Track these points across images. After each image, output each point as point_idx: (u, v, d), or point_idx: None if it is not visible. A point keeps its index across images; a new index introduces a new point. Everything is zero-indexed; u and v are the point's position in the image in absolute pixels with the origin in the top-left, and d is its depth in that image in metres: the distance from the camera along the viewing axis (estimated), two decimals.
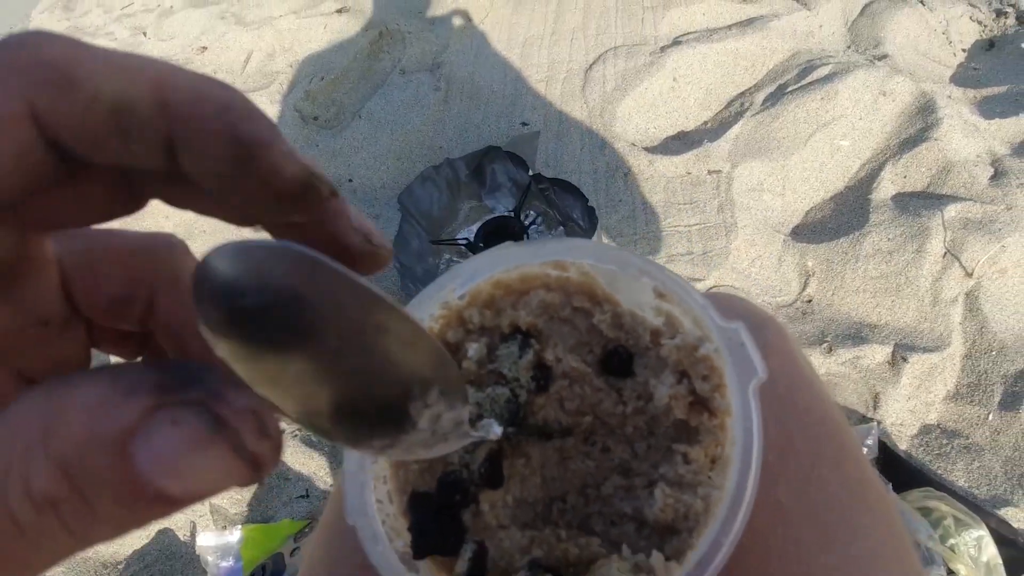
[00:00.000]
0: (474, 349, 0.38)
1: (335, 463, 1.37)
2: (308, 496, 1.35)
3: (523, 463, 0.37)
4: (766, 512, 0.41)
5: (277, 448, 0.20)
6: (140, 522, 0.18)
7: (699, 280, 1.41)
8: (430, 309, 0.39)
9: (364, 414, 0.24)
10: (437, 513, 0.36)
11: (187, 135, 0.19)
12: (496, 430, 0.33)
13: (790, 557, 0.40)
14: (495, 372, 0.38)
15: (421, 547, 0.34)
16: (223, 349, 0.19)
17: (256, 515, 1.36)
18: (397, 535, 0.35)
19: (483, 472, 0.36)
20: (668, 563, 0.32)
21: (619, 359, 0.38)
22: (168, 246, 0.26)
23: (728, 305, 0.58)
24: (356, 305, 0.22)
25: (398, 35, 2.17)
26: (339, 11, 2.36)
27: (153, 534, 1.39)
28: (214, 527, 1.37)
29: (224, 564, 1.34)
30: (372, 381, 0.23)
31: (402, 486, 0.37)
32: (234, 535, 1.34)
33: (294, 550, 1.29)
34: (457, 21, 2.18)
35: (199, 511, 1.38)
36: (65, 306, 0.24)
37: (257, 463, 0.19)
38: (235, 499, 1.37)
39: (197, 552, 1.34)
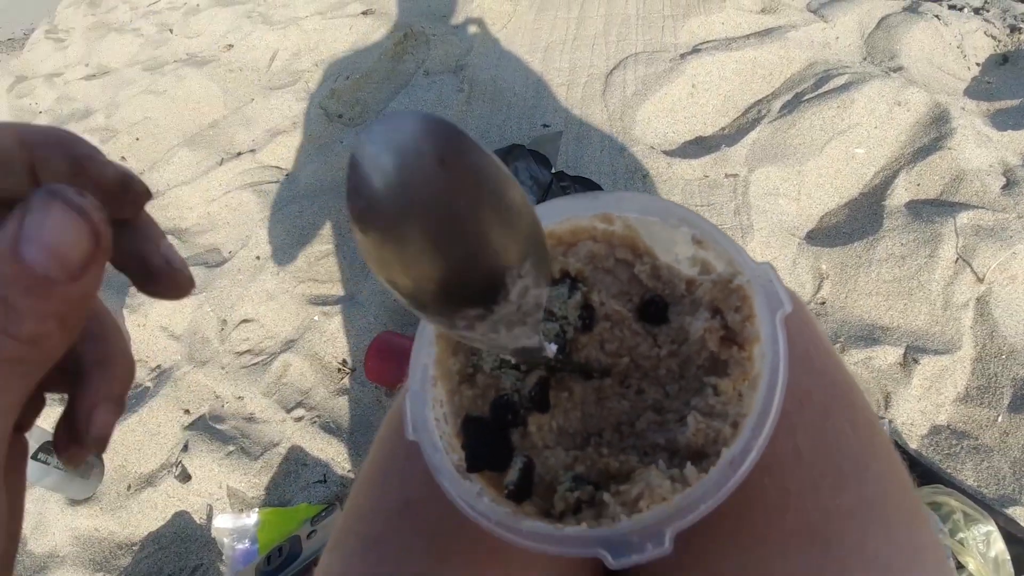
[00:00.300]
0: None
1: (353, 449, 1.40)
2: (326, 481, 1.38)
3: (566, 396, 0.40)
4: (785, 457, 0.45)
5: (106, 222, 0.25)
6: (56, 311, 0.23)
7: None
8: None
9: (467, 282, 0.29)
10: (489, 433, 0.39)
11: (41, 160, 0.28)
12: (552, 348, 0.36)
13: (807, 497, 0.43)
14: (546, 310, 0.41)
15: (474, 463, 0.37)
16: (360, 231, 0.26)
17: (273, 499, 1.39)
18: (452, 450, 0.38)
19: (533, 396, 0.39)
20: (700, 475, 0.35)
21: (656, 307, 0.42)
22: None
23: None
24: (487, 169, 0.27)
25: (422, 37, 2.22)
26: (364, 13, 2.41)
27: (169, 516, 1.41)
28: (231, 510, 1.39)
29: (240, 546, 1.36)
30: (484, 244, 0.28)
31: (457, 410, 0.40)
32: (251, 518, 1.36)
33: (311, 533, 1.31)
34: (480, 25, 2.22)
35: (216, 494, 1.41)
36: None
37: (99, 232, 0.24)
38: (253, 483, 1.40)
39: (213, 534, 1.36)
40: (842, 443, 0.46)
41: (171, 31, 2.88)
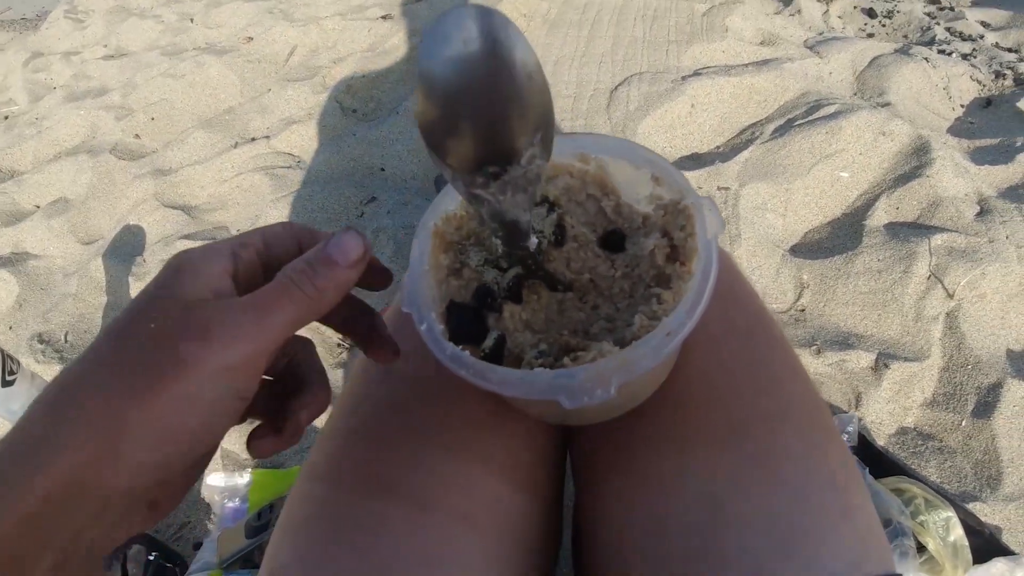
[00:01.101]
0: None
1: None
2: None
3: (535, 299, 0.49)
4: (713, 368, 0.55)
5: (370, 247, 0.41)
6: (335, 282, 0.38)
7: None
8: None
9: (495, 141, 0.38)
10: (470, 313, 0.47)
11: (306, 239, 0.45)
12: (534, 241, 0.45)
13: (731, 402, 0.52)
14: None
15: (456, 338, 0.45)
16: (424, 88, 0.35)
17: (266, 461, 1.43)
18: (439, 324, 0.46)
19: (510, 287, 0.48)
20: (643, 336, 0.43)
21: (615, 237, 0.50)
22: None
23: None
24: (526, 56, 0.37)
25: None
26: (384, 17, 2.51)
27: None
28: (223, 470, 1.43)
29: (230, 504, 1.40)
30: (513, 114, 0.38)
31: (443, 296, 0.49)
32: (243, 478, 1.40)
33: None
34: None
35: None
36: None
37: (366, 247, 0.40)
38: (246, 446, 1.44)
39: (203, 493, 1.39)
40: (761, 360, 0.55)
41: (192, 20, 2.95)
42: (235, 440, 1.44)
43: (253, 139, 2.17)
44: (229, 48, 2.58)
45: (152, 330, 0.34)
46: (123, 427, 0.31)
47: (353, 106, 2.18)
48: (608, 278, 0.49)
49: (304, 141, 2.11)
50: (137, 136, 2.33)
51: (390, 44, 2.36)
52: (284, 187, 1.95)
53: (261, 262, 0.42)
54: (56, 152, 2.37)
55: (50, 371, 1.63)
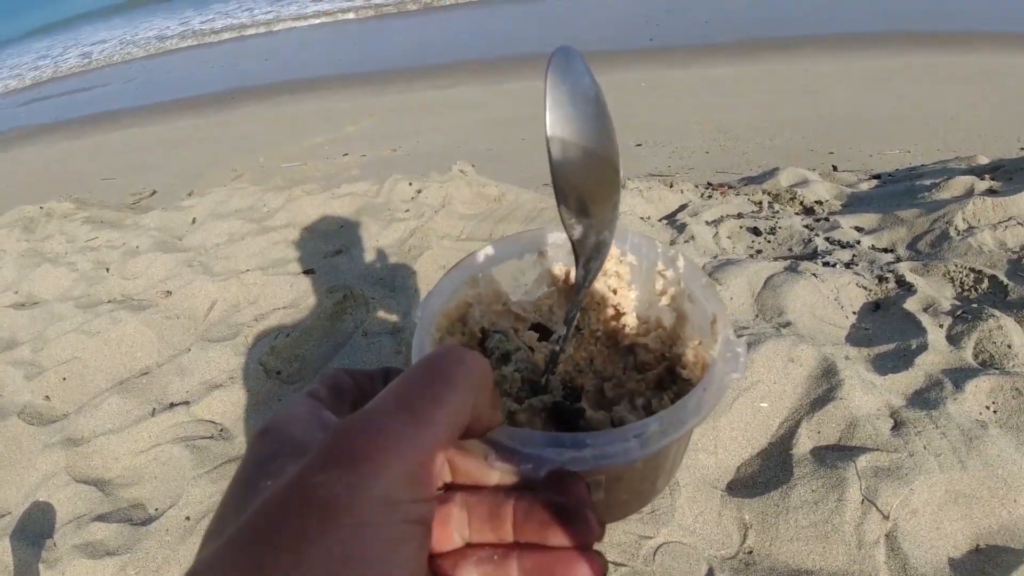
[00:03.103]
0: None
1: None
2: None
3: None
4: None
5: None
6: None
7: (650, 537, 1.50)
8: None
9: (593, 196, 0.48)
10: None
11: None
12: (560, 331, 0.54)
13: None
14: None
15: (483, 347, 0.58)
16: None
17: None
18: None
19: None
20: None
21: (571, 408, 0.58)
22: None
23: None
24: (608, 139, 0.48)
25: (361, 299, 2.37)
26: (306, 272, 2.57)
27: None
28: None
29: None
30: (609, 184, 0.49)
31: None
32: None
33: None
34: (417, 291, 2.40)
35: None
36: None
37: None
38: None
39: None
40: None
41: (107, 270, 2.93)
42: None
43: (172, 404, 2.11)
44: (146, 302, 2.57)
45: (270, 487, 0.28)
46: None
47: (277, 367, 2.18)
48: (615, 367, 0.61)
49: (227, 407, 2.07)
50: (47, 398, 2.23)
51: (312, 300, 2.41)
52: (207, 461, 1.88)
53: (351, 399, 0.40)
54: None
55: None
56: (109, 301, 2.68)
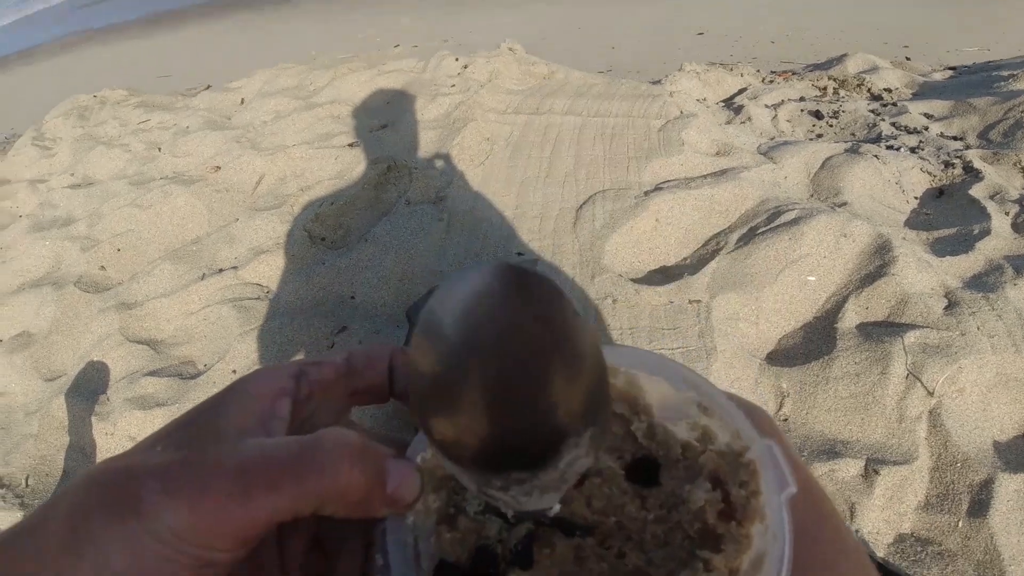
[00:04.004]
0: None
1: None
2: None
3: (548, 552, 0.38)
4: None
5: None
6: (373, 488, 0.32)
7: None
8: None
9: (524, 444, 0.29)
10: None
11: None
12: (556, 506, 0.35)
13: None
14: None
15: None
16: (417, 389, 0.30)
17: None
18: None
19: (519, 550, 0.37)
20: None
21: (648, 467, 0.40)
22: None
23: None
24: (576, 319, 0.28)
25: (405, 170, 2.36)
26: (350, 145, 2.57)
27: None
28: None
29: None
30: (552, 405, 0.29)
31: (433, 552, 0.38)
32: None
33: None
34: (459, 162, 2.38)
35: None
36: None
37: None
38: None
39: None
40: (808, 551, 0.48)
41: (159, 149, 2.98)
42: None
43: (220, 270, 2.16)
44: (197, 177, 2.60)
45: (146, 458, 0.29)
46: (80, 543, 0.27)
47: (321, 234, 2.20)
48: (638, 520, 0.39)
49: (272, 271, 2.11)
50: (102, 268, 2.31)
51: (357, 171, 2.40)
52: (252, 320, 1.93)
53: (345, 384, 0.37)
54: (20, 283, 2.35)
55: (10, 518, 1.55)
56: (161, 178, 2.72)
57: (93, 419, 1.75)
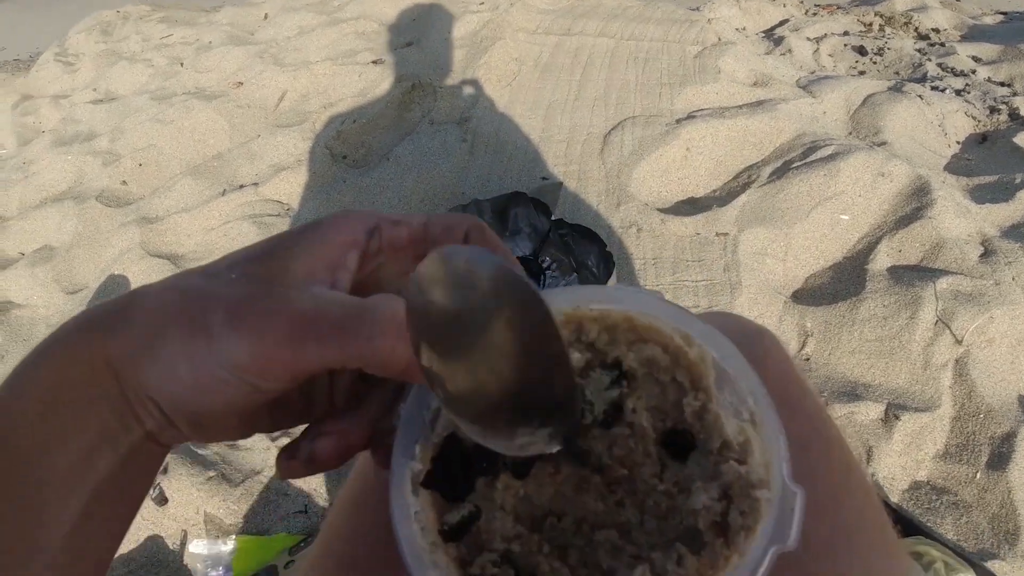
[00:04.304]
0: (575, 359, 0.40)
1: (335, 482, 1.39)
2: (306, 512, 1.36)
3: (551, 470, 0.39)
4: None
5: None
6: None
7: None
8: (561, 303, 0.40)
9: (545, 395, 0.31)
10: (461, 462, 0.38)
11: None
12: (554, 447, 0.35)
13: None
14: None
15: (433, 478, 0.37)
16: (422, 345, 0.30)
17: (251, 527, 1.37)
18: (422, 461, 0.38)
19: (516, 460, 0.38)
20: None
21: (682, 442, 0.39)
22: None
23: (723, 321, 0.63)
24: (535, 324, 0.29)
25: (429, 89, 2.29)
26: (375, 62, 2.49)
27: (142, 540, 1.38)
28: (207, 536, 1.36)
29: (214, 573, 1.33)
30: (569, 364, 0.31)
31: (449, 423, 0.39)
32: (227, 545, 1.34)
33: (288, 563, 1.28)
34: (486, 82, 2.30)
35: (192, 520, 1.38)
36: None
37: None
38: (231, 510, 1.38)
39: (185, 560, 1.33)
40: (818, 476, 0.48)
41: (182, 64, 2.94)
42: (219, 505, 1.38)
43: (241, 186, 2.14)
44: (219, 93, 2.56)
45: (221, 284, 0.32)
46: (157, 349, 0.31)
47: (343, 152, 2.16)
48: (649, 484, 0.38)
49: (293, 188, 2.08)
50: (124, 183, 2.29)
51: (381, 89, 2.34)
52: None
53: (415, 249, 0.38)
54: (42, 198, 2.34)
55: None
56: (183, 93, 2.68)
57: None
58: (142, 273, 1.90)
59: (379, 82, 2.38)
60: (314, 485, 1.39)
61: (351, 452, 0.37)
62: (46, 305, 1.95)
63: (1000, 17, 3.06)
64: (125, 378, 0.31)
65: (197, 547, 1.33)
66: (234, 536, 1.35)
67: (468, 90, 2.28)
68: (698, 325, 0.40)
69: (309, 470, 0.36)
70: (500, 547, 0.36)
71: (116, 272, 1.92)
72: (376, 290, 0.36)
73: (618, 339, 0.40)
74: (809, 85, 2.19)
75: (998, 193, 1.77)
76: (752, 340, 0.56)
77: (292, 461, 0.36)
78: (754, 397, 0.38)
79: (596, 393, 0.39)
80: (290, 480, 1.40)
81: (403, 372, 0.32)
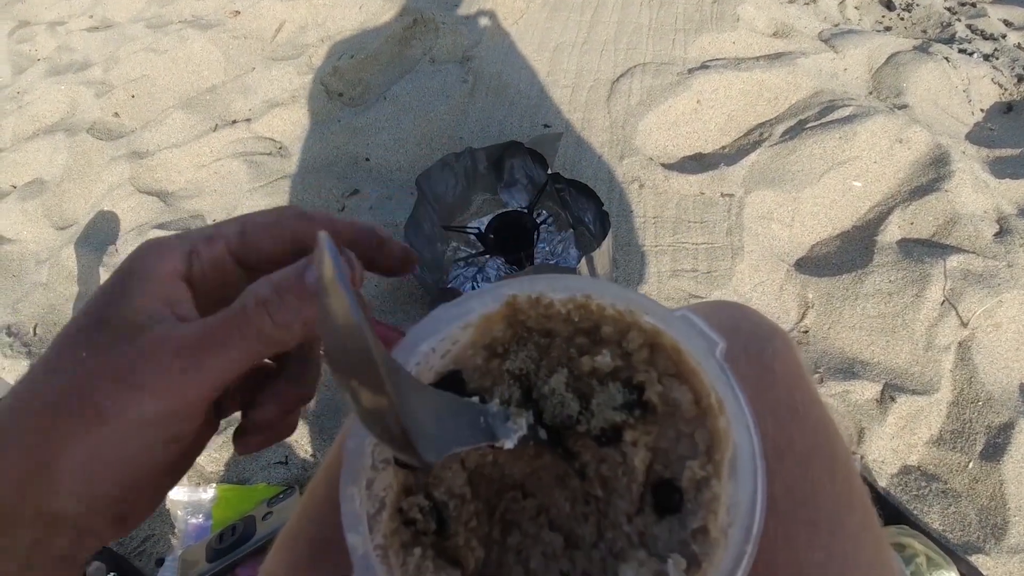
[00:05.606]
0: (603, 361, 0.36)
1: (317, 433, 1.37)
2: (287, 463, 1.35)
3: (533, 454, 0.37)
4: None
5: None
6: (304, 316, 0.32)
7: (700, 298, 1.42)
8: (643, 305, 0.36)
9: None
10: (458, 390, 0.36)
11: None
12: (510, 442, 0.33)
13: (780, 551, 0.42)
14: (581, 394, 0.37)
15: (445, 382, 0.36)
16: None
17: (232, 476, 1.36)
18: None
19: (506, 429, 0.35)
20: None
21: (669, 502, 0.34)
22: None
23: (738, 317, 0.58)
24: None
25: (432, 24, 2.19)
26: None
27: None
28: (187, 483, 1.36)
29: (193, 520, 1.33)
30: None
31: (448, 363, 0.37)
32: (207, 493, 1.33)
33: (267, 515, 1.27)
34: (491, 19, 2.20)
35: None
36: None
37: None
38: (212, 457, 1.37)
39: (167, 505, 1.33)
40: (819, 494, 0.45)
41: None
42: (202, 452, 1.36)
43: (234, 122, 2.06)
44: (215, 22, 2.46)
45: (79, 367, 0.30)
46: (53, 459, 0.29)
47: (339, 89, 2.07)
48: (617, 520, 0.35)
49: (286, 126, 2.01)
50: (116, 114, 2.22)
51: (382, 23, 2.24)
52: (263, 176, 1.85)
53: (237, 259, 0.37)
54: (35, 129, 2.28)
55: (18, 367, 1.55)
56: (179, 21, 2.58)
57: (101, 270, 1.72)
58: (131, 210, 1.86)
59: (380, 15, 2.28)
60: (295, 437, 1.37)
61: (296, 405, 0.37)
62: (36, 241, 1.91)
63: None
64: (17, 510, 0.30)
65: (178, 493, 1.33)
66: (215, 484, 1.34)
67: (472, 27, 2.18)
68: (739, 395, 0.34)
69: (268, 440, 0.37)
70: (441, 498, 0.35)
71: (106, 208, 1.88)
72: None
73: (656, 363, 0.36)
74: (832, 39, 2.08)
75: (1019, 168, 1.70)
76: (763, 342, 0.52)
77: (245, 436, 0.36)
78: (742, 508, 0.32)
79: (601, 407, 0.36)
80: None
81: (304, 329, 0.32)
